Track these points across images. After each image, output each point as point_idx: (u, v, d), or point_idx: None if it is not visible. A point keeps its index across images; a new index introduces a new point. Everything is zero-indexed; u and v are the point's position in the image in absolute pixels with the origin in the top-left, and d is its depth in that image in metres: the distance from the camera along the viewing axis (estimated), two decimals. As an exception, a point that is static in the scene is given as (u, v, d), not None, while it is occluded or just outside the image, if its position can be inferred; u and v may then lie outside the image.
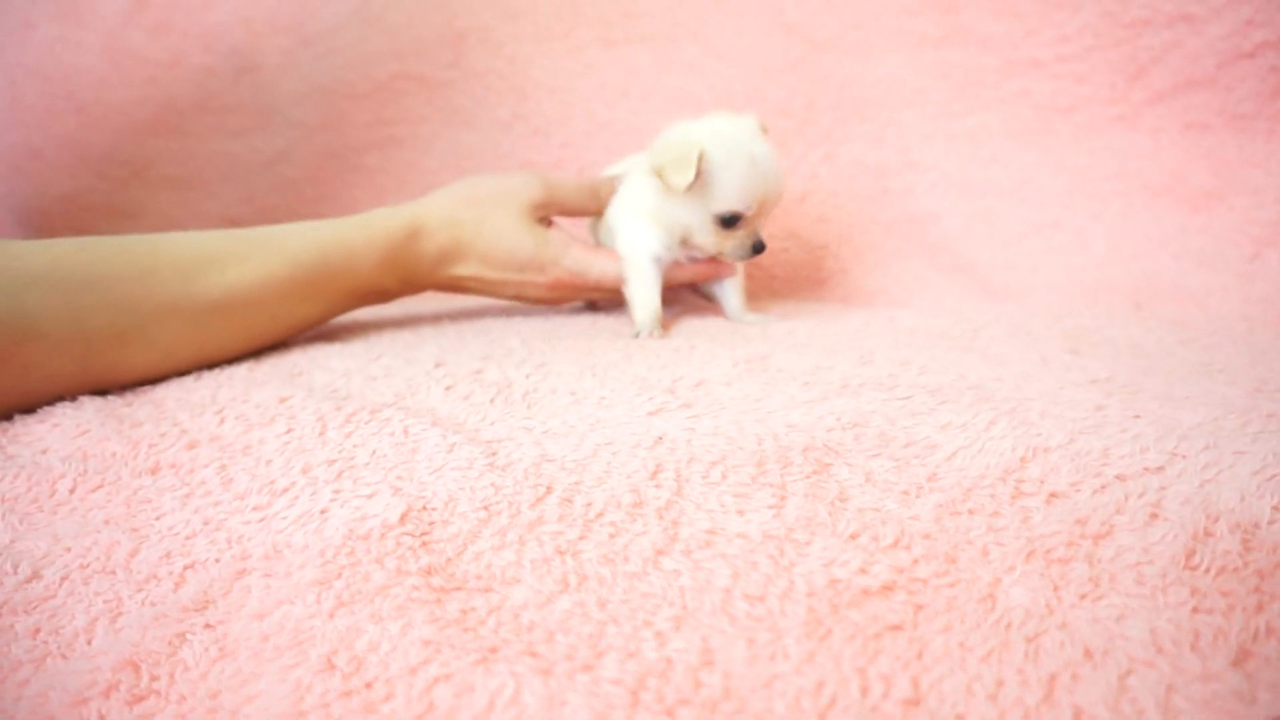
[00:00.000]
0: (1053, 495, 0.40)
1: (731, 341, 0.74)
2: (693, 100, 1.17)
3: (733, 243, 0.83)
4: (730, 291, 0.90)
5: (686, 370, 0.63)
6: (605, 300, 0.98)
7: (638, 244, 0.85)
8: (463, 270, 0.86)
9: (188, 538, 0.43)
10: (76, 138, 1.50)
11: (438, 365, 0.66)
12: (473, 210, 0.85)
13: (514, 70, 1.29)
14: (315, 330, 0.88)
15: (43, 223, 1.49)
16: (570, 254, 0.87)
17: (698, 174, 0.77)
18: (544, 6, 1.30)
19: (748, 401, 0.55)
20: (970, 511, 0.40)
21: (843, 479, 0.43)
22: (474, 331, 0.82)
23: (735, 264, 0.88)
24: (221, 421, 0.55)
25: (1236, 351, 0.69)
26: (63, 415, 0.56)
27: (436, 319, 0.92)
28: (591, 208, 0.92)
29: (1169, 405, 0.53)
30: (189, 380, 0.66)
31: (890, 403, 0.54)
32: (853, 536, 0.38)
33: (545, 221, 0.90)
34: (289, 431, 0.52)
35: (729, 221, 0.81)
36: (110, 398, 0.62)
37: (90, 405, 0.59)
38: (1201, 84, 0.99)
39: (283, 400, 0.57)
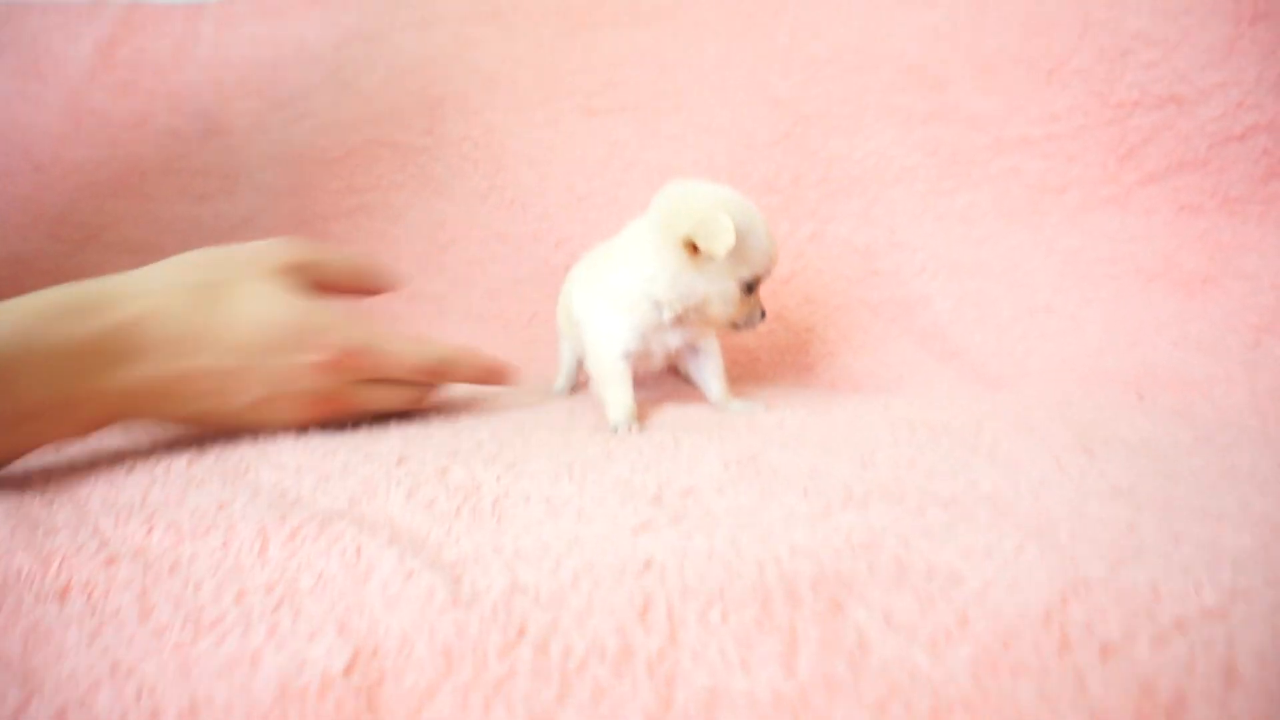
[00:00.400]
0: (1106, 649, 0.35)
1: (719, 435, 0.68)
2: (676, 173, 1.14)
3: (748, 309, 0.79)
4: (711, 375, 0.85)
5: (673, 472, 0.57)
6: (408, 407, 0.77)
7: (609, 338, 0.80)
8: (175, 365, 0.58)
9: (90, 687, 0.36)
10: (31, 198, 1.44)
11: (400, 462, 0.60)
12: (197, 274, 0.60)
13: (491, 139, 1.26)
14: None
15: (-10, 286, 1.42)
16: (358, 325, 0.66)
17: None
18: (523, 74, 1.28)
19: (744, 514, 0.49)
20: (1014, 671, 0.34)
21: (860, 621, 0.38)
22: (440, 421, 0.76)
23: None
24: (150, 531, 0.48)
25: (1257, 452, 0.65)
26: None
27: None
28: (364, 286, 0.75)
29: (1207, 523, 0.48)
30: (120, 474, 0.59)
31: (902, 519, 0.48)
32: (880, 704, 0.32)
33: (314, 290, 0.68)
34: (224, 546, 0.45)
35: (751, 287, 0.78)
36: (28, 495, 0.55)
37: (2, 507, 0.52)
38: (1193, 166, 0.98)
39: (222, 507, 0.50)
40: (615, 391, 0.78)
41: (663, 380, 0.99)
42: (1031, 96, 1.04)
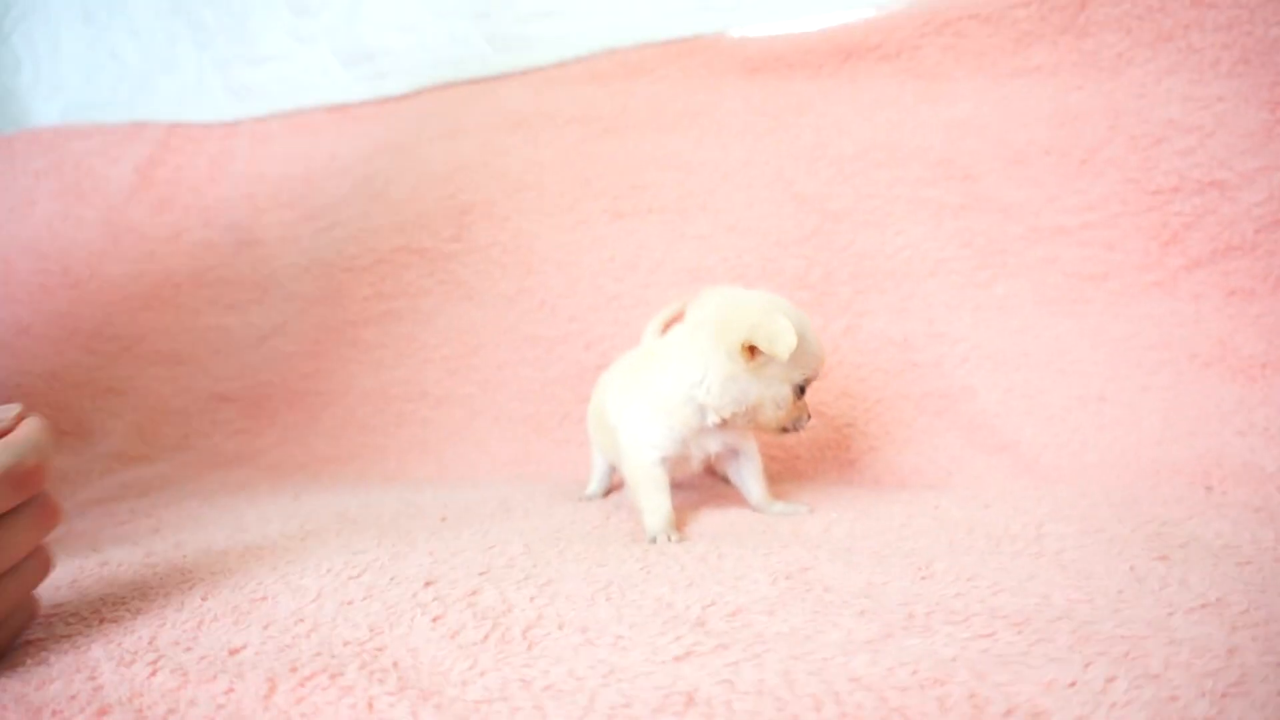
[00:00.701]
0: (1229, 808, 0.30)
1: (764, 546, 0.64)
2: (705, 273, 1.13)
3: (797, 413, 0.76)
4: (750, 477, 0.82)
5: (717, 590, 0.53)
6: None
7: (645, 443, 0.77)
8: None
9: None
10: (68, 313, 1.46)
11: (427, 584, 0.57)
12: None
13: (519, 244, 1.26)
14: (301, 525, 0.79)
15: (24, 400, 1.42)
16: None
17: None
18: (550, 180, 1.29)
19: (795, 640, 0.45)
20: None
21: (937, 772, 0.33)
22: (471, 534, 0.72)
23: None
24: (153, 674, 0.45)
25: (1349, 553, 0.60)
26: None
27: (432, 517, 0.83)
28: None
29: (1313, 642, 0.43)
30: (127, 615, 0.55)
31: (971, 644, 0.44)
32: None
33: None
34: (228, 692, 0.42)
35: (803, 389, 0.76)
36: (25, 649, 0.51)
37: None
38: (1241, 250, 0.95)
39: (232, 653, 0.47)
40: (653, 498, 0.75)
41: (700, 482, 0.95)
42: (1065, 186, 1.02)
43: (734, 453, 0.82)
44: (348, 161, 1.45)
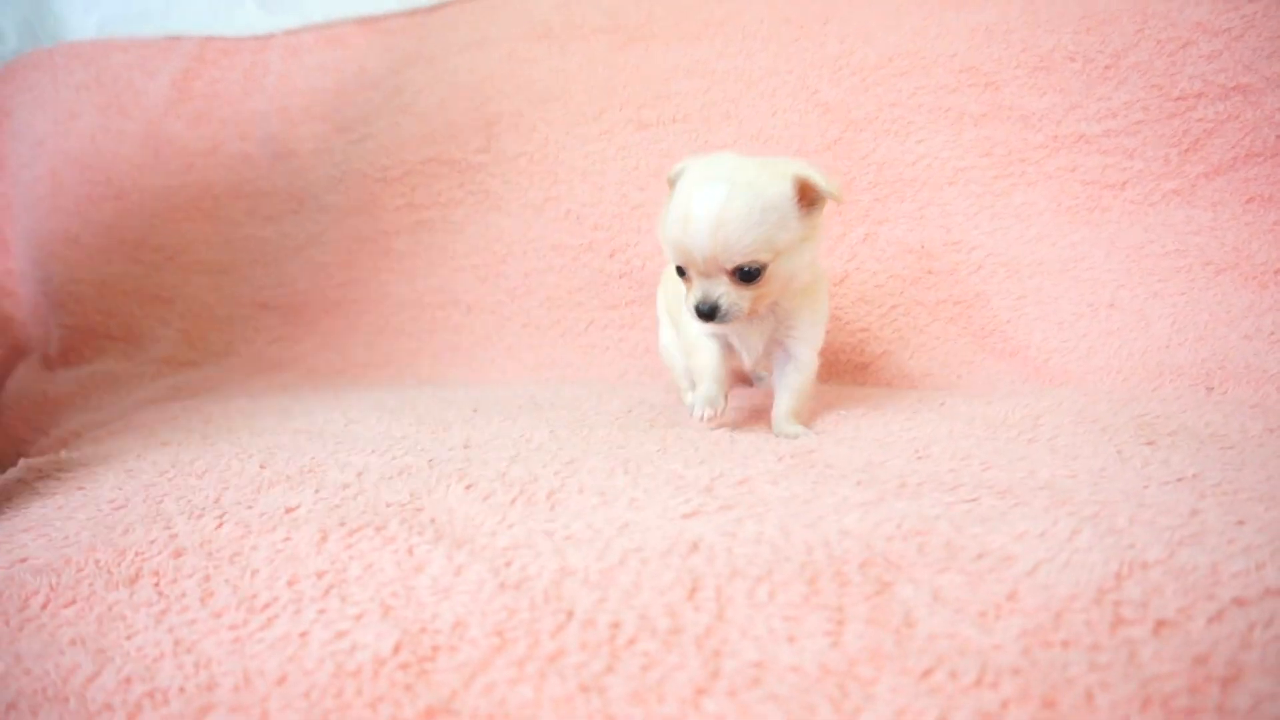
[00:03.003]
0: (1161, 624, 0.34)
1: (777, 436, 0.68)
2: (727, 180, 1.15)
3: (693, 300, 0.67)
4: (784, 389, 0.74)
5: (727, 466, 0.58)
6: None
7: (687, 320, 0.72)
8: None
9: (154, 660, 0.38)
10: (113, 224, 1.51)
11: (462, 462, 0.62)
12: None
13: (546, 154, 1.28)
14: (344, 414, 0.84)
15: (76, 307, 1.49)
16: None
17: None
18: (576, 90, 1.30)
19: (795, 503, 0.50)
20: (1064, 643, 0.34)
21: (908, 598, 0.38)
22: (502, 422, 0.77)
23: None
24: (219, 525, 0.50)
25: (1332, 442, 0.63)
26: (50, 523, 0.52)
27: (465, 409, 0.88)
28: None
29: (1274, 508, 0.47)
30: (193, 479, 0.62)
31: (955, 506, 0.48)
32: (926, 673, 0.32)
33: None
34: (287, 539, 0.47)
35: (681, 272, 0.68)
36: (104, 506, 0.57)
37: (83, 513, 0.55)
38: (1262, 156, 0.95)
39: (288, 511, 0.52)
40: (698, 361, 0.72)
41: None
42: (1088, 93, 1.02)
43: (786, 356, 0.74)
44: (378, 74, 1.47)
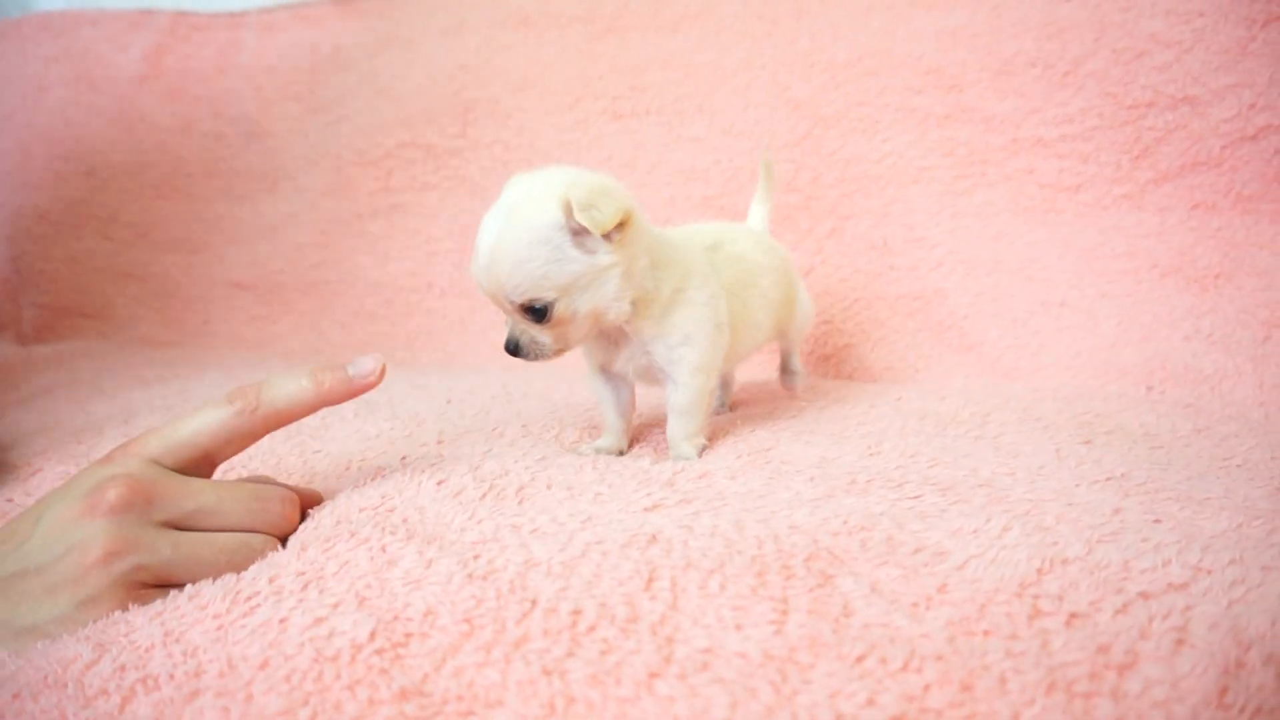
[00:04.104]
0: (1073, 616, 0.38)
1: (736, 430, 0.72)
2: (699, 174, 1.17)
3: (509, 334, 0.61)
4: (669, 414, 0.66)
5: (689, 461, 0.61)
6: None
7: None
8: None
9: (147, 649, 0.40)
10: (83, 200, 1.51)
11: (435, 460, 0.64)
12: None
13: (521, 141, 1.30)
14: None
15: (48, 285, 1.49)
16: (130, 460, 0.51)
17: None
18: (553, 79, 1.32)
19: (750, 498, 0.53)
20: (985, 632, 0.37)
21: (847, 590, 0.41)
22: (475, 415, 0.80)
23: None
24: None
25: (1255, 442, 0.67)
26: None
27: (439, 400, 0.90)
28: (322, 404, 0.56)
29: (1189, 507, 0.51)
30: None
31: (900, 503, 0.51)
32: (859, 659, 0.36)
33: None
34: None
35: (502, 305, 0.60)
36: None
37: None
38: (1207, 165, 0.99)
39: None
40: (599, 406, 0.69)
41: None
42: (1047, 98, 1.06)
43: (665, 377, 0.66)
44: (353, 55, 1.48)
